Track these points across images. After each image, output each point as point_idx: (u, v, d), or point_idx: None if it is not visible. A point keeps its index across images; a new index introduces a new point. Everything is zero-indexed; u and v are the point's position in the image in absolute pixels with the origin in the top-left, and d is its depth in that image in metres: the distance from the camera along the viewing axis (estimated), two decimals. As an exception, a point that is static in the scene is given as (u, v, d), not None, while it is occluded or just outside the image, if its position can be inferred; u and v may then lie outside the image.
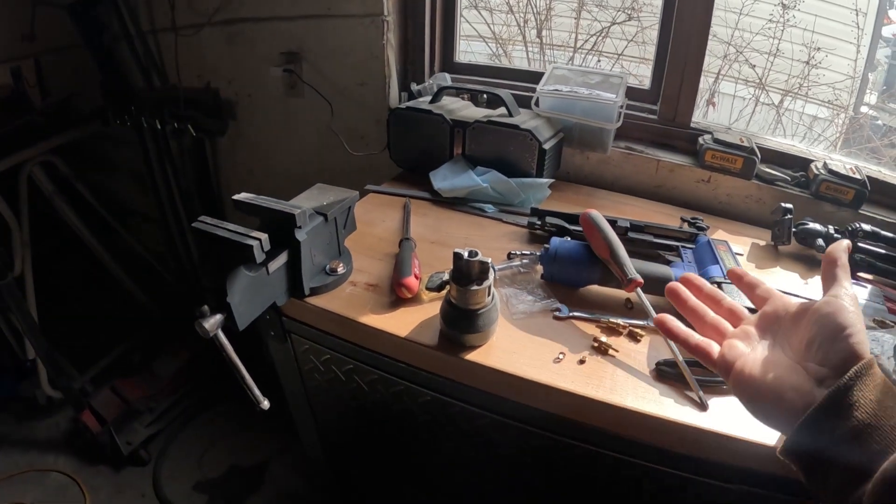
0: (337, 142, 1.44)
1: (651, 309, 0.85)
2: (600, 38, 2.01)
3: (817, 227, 1.12)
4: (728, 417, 0.73)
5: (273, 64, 1.54)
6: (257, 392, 0.81)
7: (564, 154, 1.25)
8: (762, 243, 1.16)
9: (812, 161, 1.22)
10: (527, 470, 0.93)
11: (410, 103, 1.26)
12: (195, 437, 1.98)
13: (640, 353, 0.84)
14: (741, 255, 1.12)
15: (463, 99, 1.34)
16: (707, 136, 1.21)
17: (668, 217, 1.16)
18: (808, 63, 1.86)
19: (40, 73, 1.93)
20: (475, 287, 0.75)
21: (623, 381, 0.77)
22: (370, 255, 1.01)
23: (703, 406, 0.76)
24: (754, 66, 1.79)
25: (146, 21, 1.76)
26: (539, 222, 1.07)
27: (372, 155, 1.40)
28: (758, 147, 1.22)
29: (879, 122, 1.79)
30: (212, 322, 0.73)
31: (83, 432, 1.89)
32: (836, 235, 1.12)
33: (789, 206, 1.11)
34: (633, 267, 0.88)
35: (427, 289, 0.89)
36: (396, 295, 0.90)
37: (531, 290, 0.95)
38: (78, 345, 2.05)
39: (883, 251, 1.14)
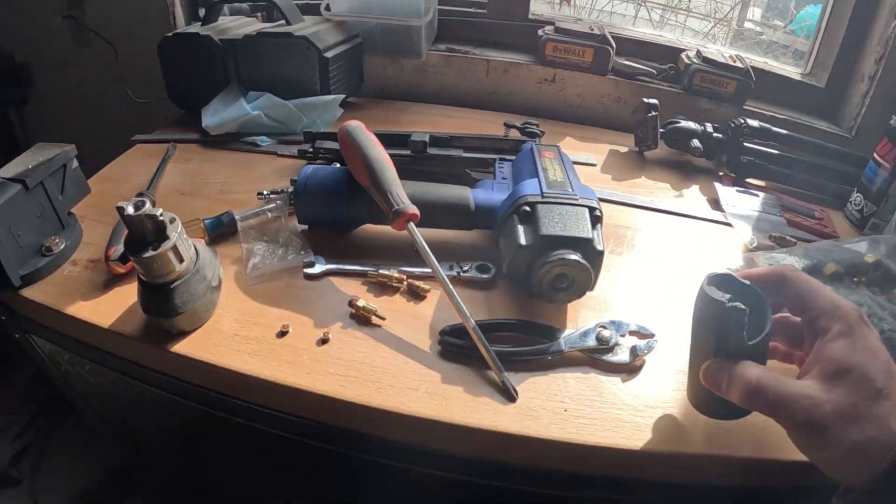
0: (136, 91, 1.00)
1: (429, 252, 0.47)
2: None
3: (690, 125, 0.74)
4: (544, 404, 0.42)
5: (57, 10, 1.08)
6: None
7: (373, 65, 0.84)
8: (624, 150, 0.77)
9: (683, 51, 0.83)
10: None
11: (181, 29, 0.83)
12: (65, 446, 1.54)
13: (423, 317, 0.49)
14: (593, 165, 0.73)
15: (259, 19, 0.91)
16: (549, 28, 0.80)
17: (501, 128, 0.76)
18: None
19: None
20: (150, 253, 0.43)
21: (388, 365, 0.44)
22: (109, 222, 0.60)
23: (510, 394, 0.42)
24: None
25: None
26: (311, 149, 0.65)
27: (164, 100, 0.96)
28: (614, 36, 0.82)
29: (764, 37, 1.48)
30: None
31: (-54, 460, 1.43)
32: (715, 135, 0.74)
33: (653, 101, 0.73)
34: (402, 193, 0.49)
35: (111, 262, 0.51)
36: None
37: (285, 240, 0.56)
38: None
39: (776, 152, 0.76)
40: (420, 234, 0.48)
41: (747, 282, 0.36)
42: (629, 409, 0.42)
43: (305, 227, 0.58)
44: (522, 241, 0.45)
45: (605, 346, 0.45)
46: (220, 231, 0.56)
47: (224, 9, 0.94)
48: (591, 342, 0.45)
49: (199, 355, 0.44)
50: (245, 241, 0.55)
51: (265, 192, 0.60)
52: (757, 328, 0.34)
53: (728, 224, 0.66)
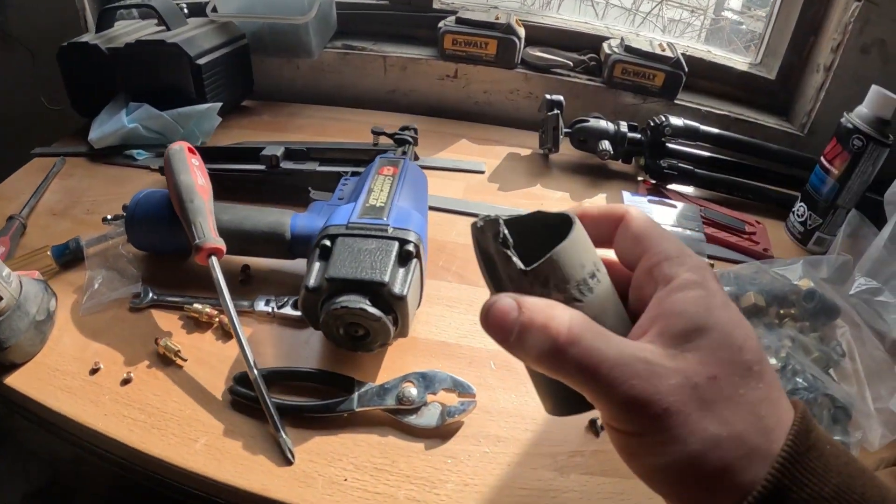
0: (52, 98, 0.96)
1: (224, 290, 0.42)
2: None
3: (601, 123, 0.64)
4: (323, 471, 0.37)
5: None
6: None
7: (269, 66, 0.78)
8: (526, 152, 0.68)
9: (607, 39, 0.72)
10: None
11: (80, 37, 0.79)
12: (20, 448, 1.56)
13: (227, 359, 0.44)
14: (481, 172, 0.64)
15: (158, 23, 0.85)
16: (450, 19, 0.71)
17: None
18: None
19: None
20: None
21: (177, 412, 0.40)
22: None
23: (286, 456, 0.37)
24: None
25: None
26: (168, 164, 0.60)
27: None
28: (528, 25, 0.72)
29: (743, 26, 1.34)
30: None
31: None
32: (631, 135, 0.64)
33: (557, 97, 0.64)
34: (208, 224, 0.44)
35: None
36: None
37: (121, 269, 0.51)
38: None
39: (705, 153, 0.66)
40: (219, 268, 0.42)
41: (573, 218, 0.22)
42: (424, 484, 0.36)
43: (144, 252, 0.53)
44: (310, 282, 0.38)
45: (408, 405, 0.38)
46: (68, 258, 0.53)
47: (134, 13, 0.89)
48: (390, 401, 0.39)
49: (24, 389, 0.42)
50: (90, 268, 0.52)
51: (108, 217, 0.55)
52: None
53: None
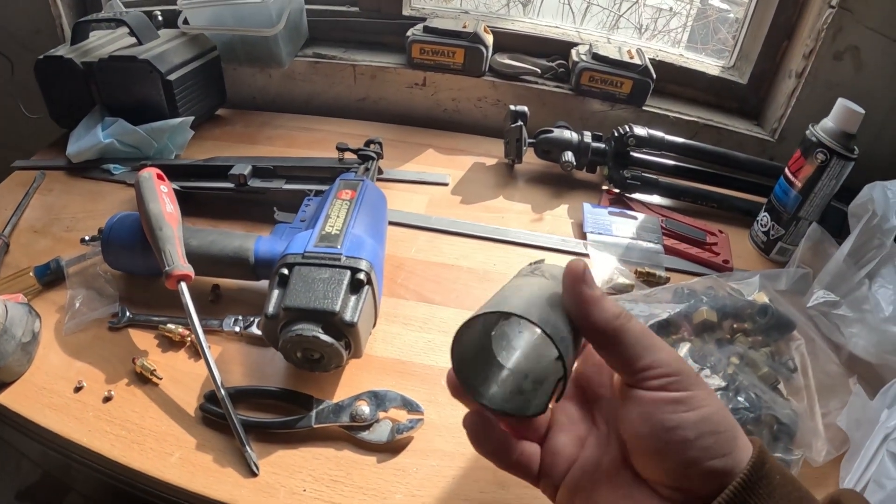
0: (31, 107, 0.99)
1: (193, 314, 0.46)
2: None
3: (564, 134, 0.67)
4: (285, 482, 0.41)
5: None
6: None
7: (243, 74, 0.80)
8: (492, 162, 0.71)
9: (577, 45, 0.74)
10: None
11: (55, 51, 0.81)
12: (13, 447, 1.63)
13: (199, 377, 0.48)
14: (445, 184, 0.67)
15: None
16: (417, 27, 0.73)
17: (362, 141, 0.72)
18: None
19: None
20: None
21: (154, 427, 0.44)
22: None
23: (252, 469, 0.41)
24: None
25: None
26: (142, 181, 0.63)
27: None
28: (497, 31, 0.74)
29: (731, 15, 1.33)
30: None
31: None
32: (594, 145, 0.67)
33: (521, 108, 0.66)
34: (177, 251, 0.48)
35: None
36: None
37: (101, 287, 0.55)
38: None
39: (670, 162, 0.69)
40: (188, 293, 0.46)
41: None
42: (376, 494, 0.41)
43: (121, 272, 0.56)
44: (269, 310, 0.42)
45: (361, 422, 0.43)
46: (50, 278, 0.56)
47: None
48: (344, 418, 0.43)
49: (14, 407, 0.46)
50: (71, 287, 0.55)
51: (87, 238, 0.58)
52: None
53: (586, 256, 0.60)
